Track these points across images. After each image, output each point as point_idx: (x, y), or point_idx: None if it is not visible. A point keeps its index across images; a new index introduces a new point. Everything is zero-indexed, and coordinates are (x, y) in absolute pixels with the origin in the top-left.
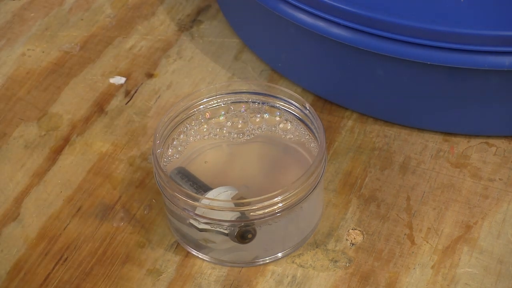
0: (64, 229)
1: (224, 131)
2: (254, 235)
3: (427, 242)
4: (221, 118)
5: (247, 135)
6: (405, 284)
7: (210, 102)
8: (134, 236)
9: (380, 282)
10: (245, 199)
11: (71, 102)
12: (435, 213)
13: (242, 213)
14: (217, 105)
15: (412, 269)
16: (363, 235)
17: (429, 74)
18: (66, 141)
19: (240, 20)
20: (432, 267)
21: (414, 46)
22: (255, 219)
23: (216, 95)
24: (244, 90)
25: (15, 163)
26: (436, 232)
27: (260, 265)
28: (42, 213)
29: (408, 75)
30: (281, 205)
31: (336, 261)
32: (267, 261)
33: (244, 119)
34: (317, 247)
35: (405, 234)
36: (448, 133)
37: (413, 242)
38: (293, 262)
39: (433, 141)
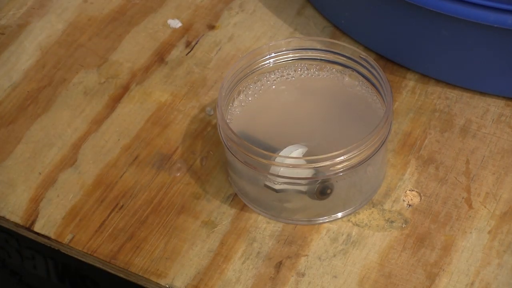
0: (121, 177)
1: (286, 88)
2: (332, 190)
3: (485, 207)
4: (284, 74)
5: (310, 92)
6: (461, 248)
7: (273, 58)
8: (190, 187)
9: (436, 244)
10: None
11: (131, 51)
12: (494, 178)
13: (316, 169)
14: (281, 62)
15: (469, 233)
16: (420, 196)
17: (495, 37)
18: (125, 89)
19: None
20: (489, 232)
21: (481, 8)
22: (334, 174)
23: (280, 51)
24: (309, 47)
25: (74, 109)
26: (494, 197)
27: (320, 223)
28: (99, 160)
29: (473, 37)
30: (357, 158)
31: (392, 222)
32: (326, 221)
33: (307, 75)
34: (373, 207)
35: (463, 198)
36: (510, 98)
37: (470, 206)
38: (348, 220)
39: (495, 105)
